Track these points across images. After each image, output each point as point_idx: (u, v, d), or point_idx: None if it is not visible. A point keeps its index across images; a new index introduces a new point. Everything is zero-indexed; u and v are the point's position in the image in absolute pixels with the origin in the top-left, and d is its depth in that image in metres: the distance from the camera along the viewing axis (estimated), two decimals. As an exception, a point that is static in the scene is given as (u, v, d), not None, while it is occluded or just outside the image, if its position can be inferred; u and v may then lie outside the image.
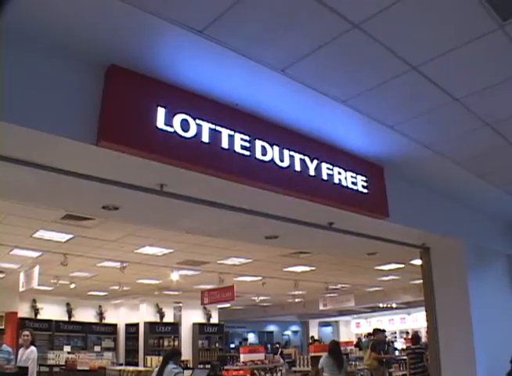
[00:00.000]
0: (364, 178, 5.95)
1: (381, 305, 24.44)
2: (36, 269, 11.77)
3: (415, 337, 13.16)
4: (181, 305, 21.84)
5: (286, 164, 5.01)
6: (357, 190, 5.81)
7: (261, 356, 13.80)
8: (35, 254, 11.73)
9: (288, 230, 6.57)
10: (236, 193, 5.00)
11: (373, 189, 6.06)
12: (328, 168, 5.47)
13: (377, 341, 14.04)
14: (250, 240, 8.43)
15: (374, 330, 15.06)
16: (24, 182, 4.71)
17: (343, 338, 28.48)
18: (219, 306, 22.35)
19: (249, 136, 4.73)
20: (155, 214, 6.00)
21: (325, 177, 5.41)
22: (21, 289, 13.03)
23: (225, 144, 4.52)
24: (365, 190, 5.91)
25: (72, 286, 15.50)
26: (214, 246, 10.98)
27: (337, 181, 5.55)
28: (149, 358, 16.37)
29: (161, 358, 8.72)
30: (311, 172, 5.27)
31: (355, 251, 9.03)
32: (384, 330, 15.30)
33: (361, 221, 6.18)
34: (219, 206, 5.39)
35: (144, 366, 16.18)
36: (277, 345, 25.98)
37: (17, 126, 3.46)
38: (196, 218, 6.13)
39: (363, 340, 20.97)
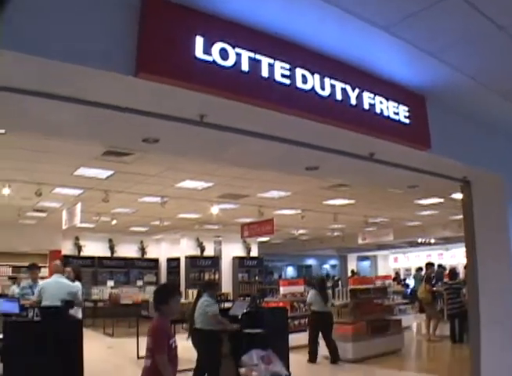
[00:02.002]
0: (406, 109, 5.81)
1: (420, 240, 24.48)
2: (78, 207, 12.06)
3: (452, 272, 13.24)
4: (221, 239, 22.21)
5: (327, 92, 4.91)
6: (399, 121, 5.69)
7: (300, 288, 14.00)
8: (77, 191, 12.04)
9: (329, 161, 6.50)
10: (277, 122, 4.95)
11: (415, 119, 5.92)
12: (370, 98, 5.36)
13: (431, 274, 14.35)
14: (290, 171, 8.37)
15: (427, 264, 15.37)
16: (64, 119, 4.74)
17: (381, 273, 28.84)
18: (259, 240, 22.67)
19: (289, 64, 4.63)
20: (195, 145, 5.97)
21: (366, 106, 5.31)
22: (64, 227, 13.42)
23: (265, 73, 4.45)
24: (407, 121, 5.79)
25: (113, 222, 15.89)
26: (253, 178, 11.03)
27: (378, 111, 5.44)
28: (190, 291, 16.75)
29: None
30: (353, 101, 5.17)
31: (396, 183, 8.95)
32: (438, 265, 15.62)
33: (402, 152, 6.08)
34: (260, 136, 5.36)
35: (185, 299, 16.60)
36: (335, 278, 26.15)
37: (57, 61, 3.46)
38: (236, 149, 6.10)
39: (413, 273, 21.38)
